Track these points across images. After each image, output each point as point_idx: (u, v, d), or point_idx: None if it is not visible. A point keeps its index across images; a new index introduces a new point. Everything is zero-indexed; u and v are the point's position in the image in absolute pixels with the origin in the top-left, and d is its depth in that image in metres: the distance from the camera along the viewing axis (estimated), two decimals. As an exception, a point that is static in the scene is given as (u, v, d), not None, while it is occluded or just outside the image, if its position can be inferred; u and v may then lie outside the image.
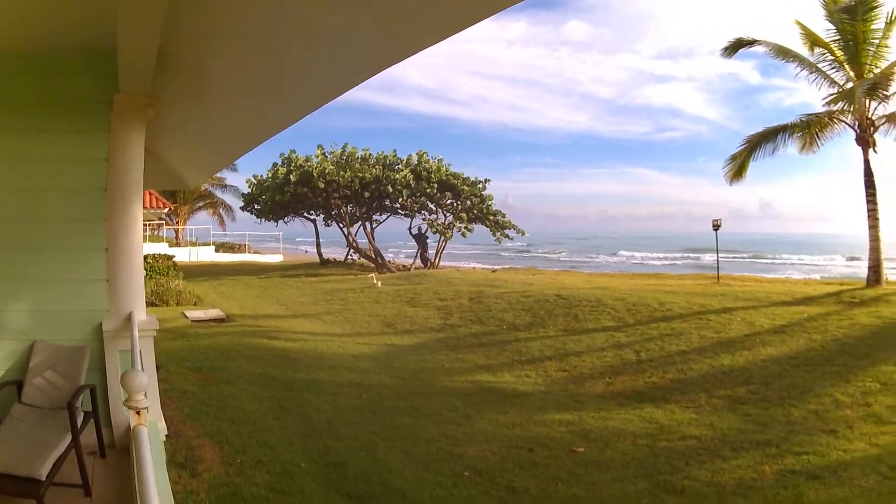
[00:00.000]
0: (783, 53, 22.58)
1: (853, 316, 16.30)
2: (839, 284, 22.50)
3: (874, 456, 9.62)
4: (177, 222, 55.33)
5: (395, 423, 11.26)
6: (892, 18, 20.69)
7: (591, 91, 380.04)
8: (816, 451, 9.84)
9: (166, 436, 7.01)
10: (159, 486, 3.70)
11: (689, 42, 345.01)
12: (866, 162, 21.23)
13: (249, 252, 52.73)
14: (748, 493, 8.68)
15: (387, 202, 38.70)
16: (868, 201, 21.03)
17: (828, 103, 21.95)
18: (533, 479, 9.08)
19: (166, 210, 46.28)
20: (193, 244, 50.86)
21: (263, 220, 41.44)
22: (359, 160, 38.76)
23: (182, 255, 39.56)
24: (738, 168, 22.86)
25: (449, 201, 38.58)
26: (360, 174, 37.04)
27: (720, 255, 28.47)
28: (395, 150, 39.27)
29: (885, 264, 21.20)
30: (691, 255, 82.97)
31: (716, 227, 25.99)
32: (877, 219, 20.90)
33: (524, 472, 9.35)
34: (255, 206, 41.18)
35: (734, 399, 12.68)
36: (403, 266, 40.38)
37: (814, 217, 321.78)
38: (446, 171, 38.18)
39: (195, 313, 21.26)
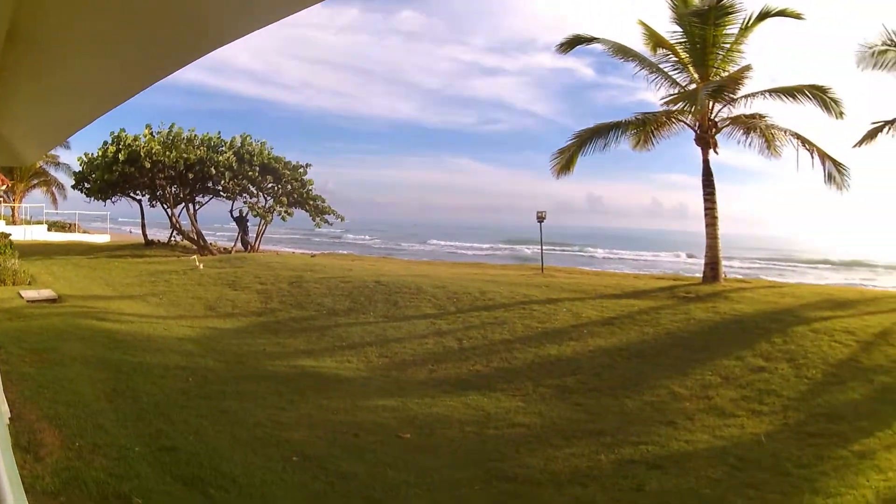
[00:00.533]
0: (622, 52, 22.61)
1: (688, 311, 16.41)
2: (672, 280, 22.88)
3: (720, 448, 9.71)
4: (13, 200, 53.72)
5: (222, 406, 10.98)
6: (748, 25, 21.03)
7: (417, 81, 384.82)
8: (655, 442, 9.86)
9: (10, 418, 6.97)
10: (7, 470, 3.51)
11: (524, 37, 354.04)
12: (705, 162, 21.45)
13: (79, 231, 51.49)
14: (585, 481, 8.60)
15: (209, 184, 38.11)
16: (706, 200, 21.27)
17: (667, 103, 22.19)
18: (362, 465, 8.91)
19: (4, 187, 45.61)
20: (28, 223, 50.55)
21: (93, 199, 39.84)
22: (185, 141, 37.91)
23: (17, 234, 39.43)
24: (566, 162, 22.63)
25: (270, 185, 38.31)
26: (185, 155, 36.27)
27: (545, 246, 28.15)
28: (219, 132, 39.03)
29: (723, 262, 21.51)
30: (515, 246, 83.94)
31: (540, 219, 25.99)
32: (715, 217, 21.16)
33: (352, 457, 9.18)
34: (85, 184, 39.39)
35: (563, 388, 12.68)
36: (224, 249, 40.09)
37: (645, 213, 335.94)
38: (268, 154, 38.11)
39: (30, 293, 20.45)
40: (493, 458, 9.33)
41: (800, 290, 20.69)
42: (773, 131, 21.43)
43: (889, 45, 21.60)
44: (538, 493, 8.28)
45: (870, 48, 21.48)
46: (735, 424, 10.61)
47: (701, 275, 21.68)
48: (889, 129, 21.84)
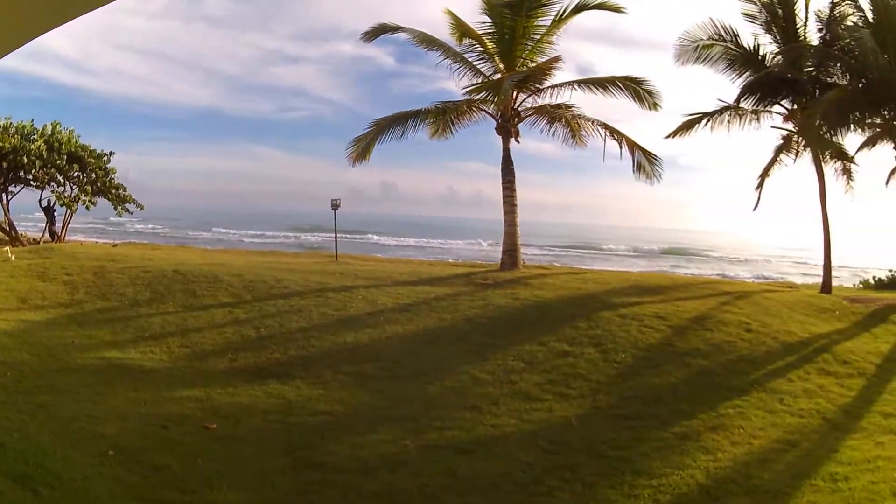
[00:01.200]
0: (427, 41, 22.23)
1: (487, 297, 16.25)
2: (470, 267, 22.70)
3: (530, 431, 9.80)
4: None
5: (39, 401, 10.49)
6: (561, 17, 21.13)
7: (219, 67, 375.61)
8: (461, 427, 9.84)
9: None
10: None
11: (329, 24, 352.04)
12: (506, 151, 21.40)
13: None
14: (394, 467, 8.54)
15: (21, 173, 35.14)
16: (505, 188, 21.21)
17: (469, 92, 21.90)
18: (173, 457, 8.67)
19: None
20: None
21: None
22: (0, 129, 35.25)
23: None
24: (362, 150, 22.04)
25: (76, 173, 35.80)
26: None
27: (339, 234, 27.37)
28: (32, 120, 35.85)
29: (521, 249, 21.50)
30: (303, 234, 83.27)
31: (335, 206, 25.26)
32: (514, 205, 21.11)
33: (163, 449, 8.94)
34: None
35: (362, 375, 12.35)
36: (34, 239, 37.33)
37: (440, 202, 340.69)
38: (76, 142, 35.58)
39: None
40: (300, 446, 9.20)
41: (604, 276, 21.16)
42: (578, 121, 21.61)
43: (716, 40, 22.37)
44: (348, 481, 8.13)
45: (693, 42, 22.27)
46: (542, 408, 10.57)
47: (500, 262, 21.57)
48: (708, 121, 22.84)
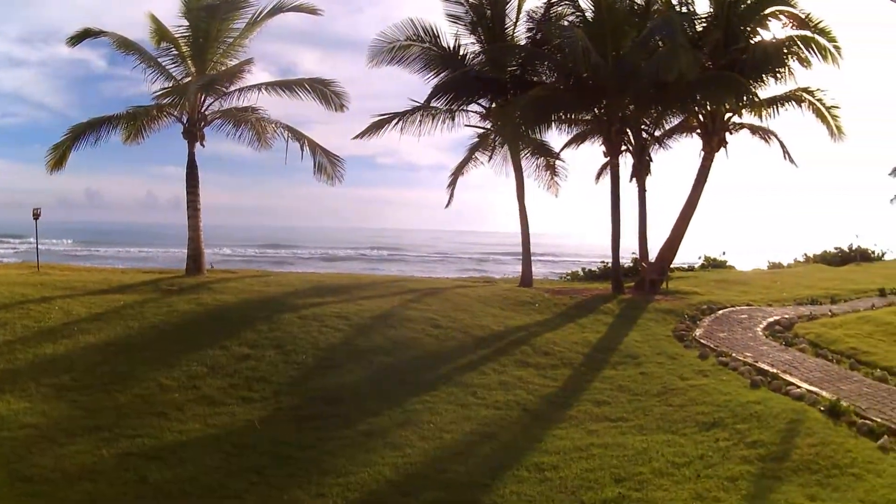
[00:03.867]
0: (125, 46, 21.49)
1: (172, 303, 16.03)
2: (158, 273, 22.14)
3: (214, 436, 9.94)
4: None
5: None
6: (256, 20, 21.33)
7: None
8: (150, 434, 9.83)
9: None
10: None
11: (54, 26, 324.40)
12: (191, 155, 21.14)
13: None
14: (93, 476, 8.49)
15: None
16: (189, 193, 20.92)
17: (159, 97, 21.30)
18: None
19: None
20: None
21: None
22: None
23: None
24: (59, 157, 20.78)
25: None
26: None
27: (41, 243, 25.76)
28: None
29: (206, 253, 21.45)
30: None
31: (35, 215, 23.63)
32: (197, 209, 20.91)
33: None
34: None
35: (60, 387, 11.83)
36: None
37: (141, 207, 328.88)
38: None
39: None
40: (12, 459, 8.94)
41: (287, 278, 21.51)
42: (263, 124, 21.70)
43: (414, 41, 23.14)
44: (54, 492, 8.08)
45: (390, 43, 22.92)
46: (226, 412, 10.75)
47: (185, 268, 21.27)
48: (398, 121, 23.46)
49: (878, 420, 10.73)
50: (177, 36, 21.26)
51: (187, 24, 21.00)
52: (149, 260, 61.63)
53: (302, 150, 21.62)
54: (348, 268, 57.72)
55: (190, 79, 21.17)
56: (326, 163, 21.80)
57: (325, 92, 21.36)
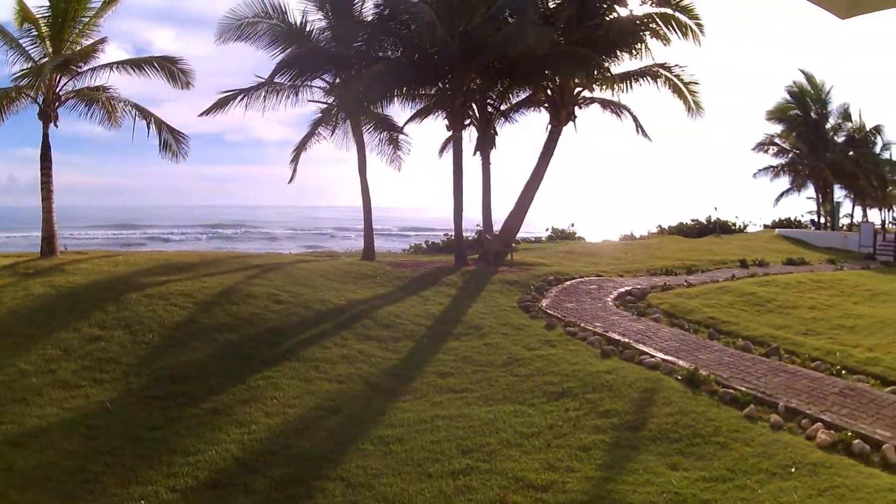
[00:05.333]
0: None
1: (28, 287, 16.00)
2: (17, 257, 21.79)
3: (70, 419, 10.02)
4: None
5: None
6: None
7: None
8: (13, 421, 9.86)
9: None
10: None
11: None
12: (45, 136, 21.09)
13: None
14: None
15: None
16: (43, 174, 20.91)
17: (17, 78, 21.38)
18: None
19: None
20: None
21: None
22: None
23: None
24: None
25: None
26: None
27: None
28: None
29: (58, 234, 21.48)
30: None
31: None
32: (50, 191, 20.94)
33: None
34: None
35: None
36: None
37: (3, 190, 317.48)
38: None
39: None
40: None
41: (135, 257, 21.44)
42: (113, 103, 21.97)
43: (262, 17, 23.56)
44: None
45: (238, 20, 23.28)
46: (80, 395, 10.88)
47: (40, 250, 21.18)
48: (243, 97, 23.97)
49: (743, 389, 11.12)
50: (38, 17, 21.14)
51: (48, 4, 20.89)
52: (9, 245, 58.98)
53: (148, 127, 21.86)
54: (196, 246, 57.13)
55: (46, 59, 21.07)
56: (172, 140, 22.11)
57: (172, 70, 21.92)
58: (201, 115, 24.60)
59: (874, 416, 10.08)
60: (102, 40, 21.91)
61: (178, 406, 10.57)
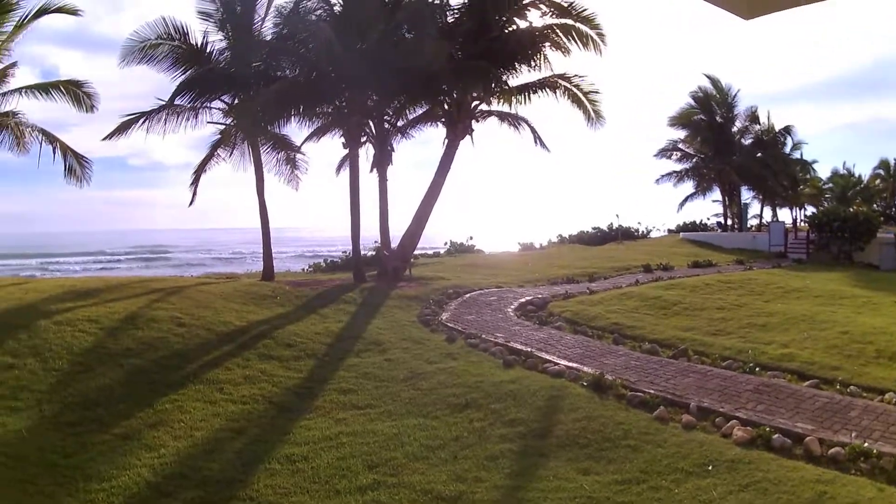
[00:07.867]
0: None
1: None
2: None
3: None
4: None
5: None
6: (22, 23, 21.30)
7: None
8: None
9: None
10: None
11: None
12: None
13: None
14: None
15: None
16: (-45, 202, 20.57)
17: None
18: None
19: None
20: None
21: None
22: None
23: None
24: None
25: None
26: None
27: None
28: None
29: None
30: None
31: None
32: (-37, 217, 20.61)
33: None
34: None
35: None
36: None
37: None
38: None
39: None
40: None
41: (42, 284, 21.03)
42: (21, 128, 21.72)
43: (164, 39, 23.59)
44: None
45: (141, 42, 23.29)
46: None
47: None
48: (145, 120, 23.91)
49: (652, 391, 11.35)
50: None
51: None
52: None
53: (54, 153, 21.83)
54: (102, 272, 56.18)
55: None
56: (76, 165, 22.20)
57: (77, 93, 22.08)
58: (104, 139, 24.44)
59: (793, 411, 10.48)
60: (13, 65, 21.82)
61: (89, 432, 10.55)
